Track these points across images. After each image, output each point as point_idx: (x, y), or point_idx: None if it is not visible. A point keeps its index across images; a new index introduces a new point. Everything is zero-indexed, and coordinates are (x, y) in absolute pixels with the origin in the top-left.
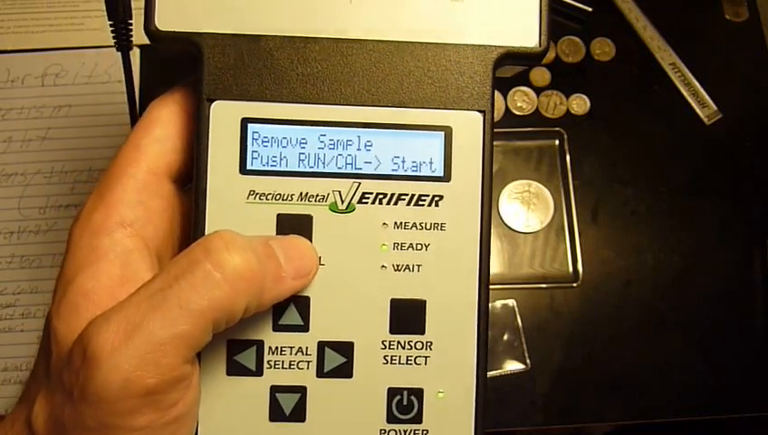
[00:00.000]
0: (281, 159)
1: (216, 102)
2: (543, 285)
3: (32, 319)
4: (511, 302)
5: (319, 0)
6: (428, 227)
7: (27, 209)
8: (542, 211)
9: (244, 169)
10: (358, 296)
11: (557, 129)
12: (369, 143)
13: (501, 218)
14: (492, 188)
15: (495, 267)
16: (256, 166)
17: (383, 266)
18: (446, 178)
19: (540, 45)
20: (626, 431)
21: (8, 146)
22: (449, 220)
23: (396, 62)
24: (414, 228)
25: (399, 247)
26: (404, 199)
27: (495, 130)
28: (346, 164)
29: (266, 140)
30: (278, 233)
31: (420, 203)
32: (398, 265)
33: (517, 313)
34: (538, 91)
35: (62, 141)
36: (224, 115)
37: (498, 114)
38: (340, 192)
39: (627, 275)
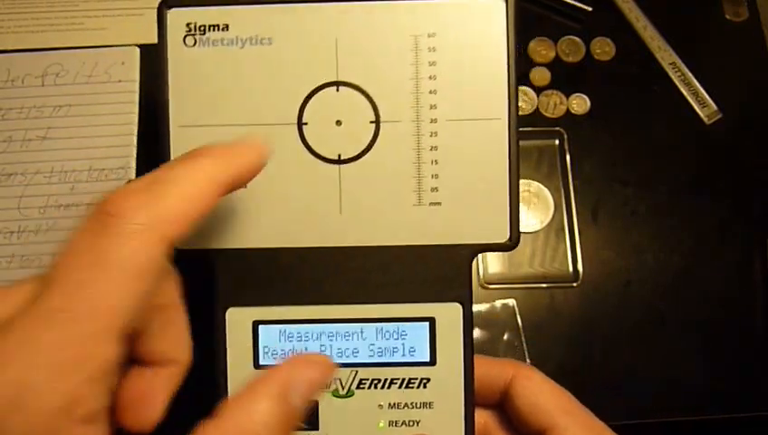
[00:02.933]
0: (288, 353)
1: (230, 309)
2: (543, 285)
3: None
4: (511, 302)
5: (313, 214)
6: (418, 406)
7: (27, 209)
8: (542, 211)
9: (257, 365)
10: None
11: (557, 128)
12: (363, 335)
13: None
14: (473, 368)
15: (495, 267)
16: (268, 361)
17: None
18: (432, 362)
19: (511, 241)
20: (626, 431)
21: (8, 146)
22: (436, 399)
23: (383, 264)
24: (406, 408)
25: (394, 425)
26: (396, 383)
27: None
28: (345, 354)
29: (275, 337)
30: None
31: (410, 386)
32: None
33: (517, 312)
34: (538, 90)
35: (62, 141)
36: (237, 319)
37: None
38: (340, 380)
39: (627, 275)
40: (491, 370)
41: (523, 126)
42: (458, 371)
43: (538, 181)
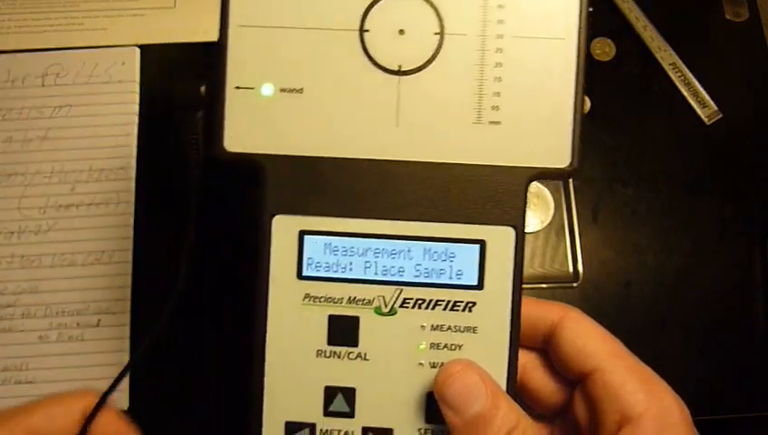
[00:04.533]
0: (332, 267)
1: (277, 216)
2: (543, 285)
3: (32, 319)
4: None
5: (368, 125)
6: (462, 330)
7: (27, 209)
8: (542, 211)
9: (300, 275)
10: (398, 389)
11: None
12: (410, 254)
13: None
14: (521, 296)
15: None
16: (311, 272)
17: (420, 364)
18: (480, 286)
19: (571, 165)
20: None
21: (8, 146)
22: (481, 324)
23: (437, 181)
24: (449, 331)
25: (436, 347)
26: (441, 305)
27: None
28: (390, 272)
29: (320, 249)
30: (329, 332)
31: (456, 308)
32: (433, 363)
33: None
34: None
35: (62, 141)
36: (283, 228)
37: None
38: (384, 297)
39: (627, 275)
40: (536, 310)
41: None
42: (506, 297)
43: (538, 181)
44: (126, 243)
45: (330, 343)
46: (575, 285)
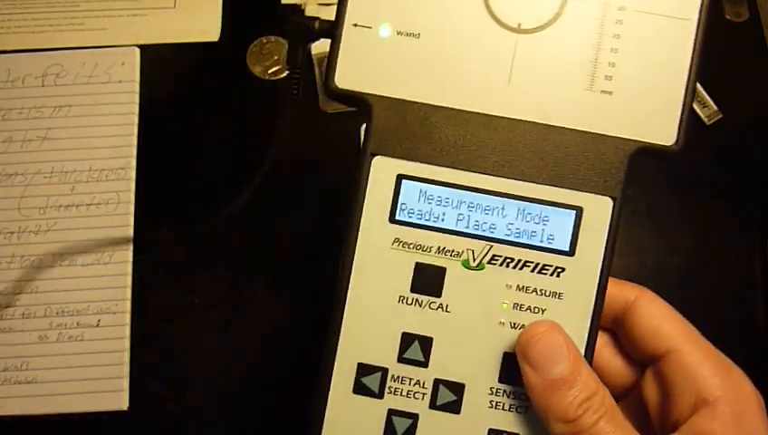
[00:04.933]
0: (425, 215)
1: (377, 157)
2: None
3: (32, 319)
4: None
5: (480, 79)
6: (547, 295)
7: (27, 209)
8: None
9: (393, 219)
10: (475, 345)
11: None
12: (504, 211)
13: None
14: (610, 268)
15: None
16: (404, 217)
17: (501, 323)
18: (571, 252)
19: (676, 144)
20: None
21: (8, 146)
22: (567, 291)
23: (540, 142)
24: (534, 293)
25: (518, 308)
26: (529, 266)
27: None
28: (482, 227)
29: (416, 196)
30: (414, 279)
31: (543, 272)
32: (514, 323)
33: None
34: None
35: (62, 141)
36: (382, 169)
37: None
38: (473, 251)
39: (627, 276)
40: (613, 288)
41: None
42: (596, 267)
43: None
44: (126, 243)
45: (413, 290)
46: None
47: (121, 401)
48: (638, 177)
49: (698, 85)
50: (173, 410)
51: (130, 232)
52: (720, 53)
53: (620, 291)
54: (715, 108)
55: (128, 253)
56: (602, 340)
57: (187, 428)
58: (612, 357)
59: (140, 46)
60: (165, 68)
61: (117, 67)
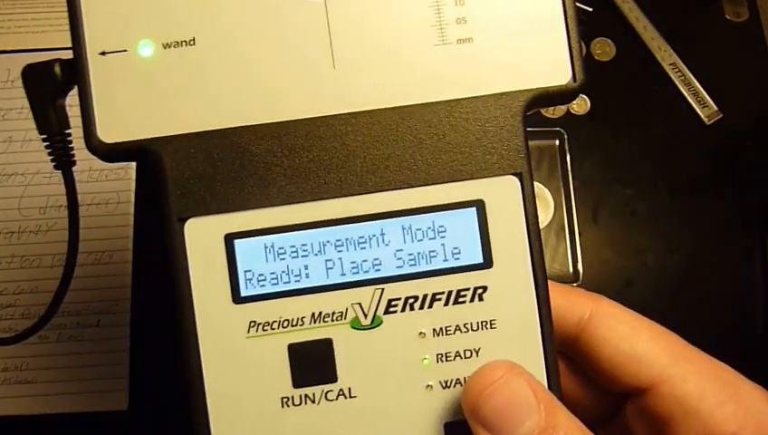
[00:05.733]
0: (282, 276)
1: (190, 220)
2: None
3: (32, 319)
4: None
5: (294, 73)
6: (475, 328)
7: (27, 209)
8: (542, 211)
9: (237, 298)
10: (404, 428)
11: (557, 129)
12: (385, 238)
13: None
14: (544, 265)
15: None
16: (252, 290)
17: (428, 386)
18: (487, 263)
19: (575, 80)
20: None
21: (8, 146)
22: (499, 315)
23: (402, 133)
24: (458, 332)
25: (444, 359)
26: (440, 299)
27: None
28: (363, 268)
29: (260, 255)
30: (292, 367)
31: (461, 300)
32: (446, 382)
33: None
34: None
35: None
36: (201, 234)
37: None
38: (360, 304)
39: (627, 275)
40: (559, 299)
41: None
42: (525, 270)
43: (538, 181)
44: (126, 243)
45: (297, 384)
46: (575, 285)
47: (121, 401)
48: (638, 177)
49: (698, 85)
50: (173, 410)
51: (130, 232)
52: (720, 53)
53: (568, 304)
54: (715, 108)
55: (128, 253)
56: (563, 367)
57: (187, 428)
58: (577, 387)
59: None
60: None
61: None
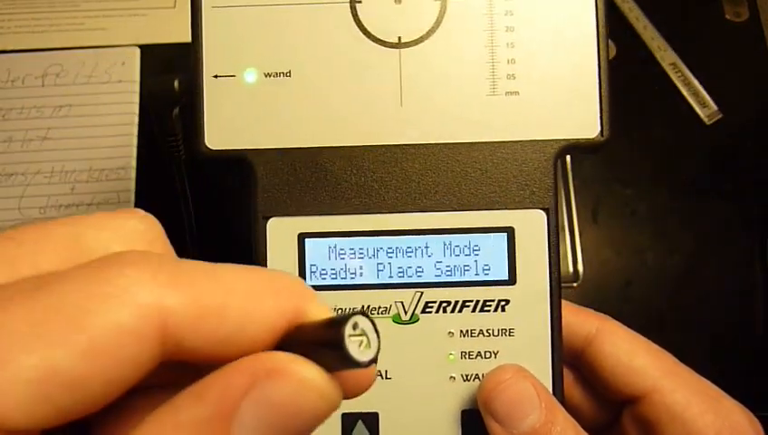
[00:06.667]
0: (340, 273)
1: (272, 219)
2: None
3: None
4: None
5: (369, 107)
6: (496, 334)
7: (27, 209)
8: None
9: None
10: (428, 410)
11: None
12: (429, 250)
13: None
14: (561, 288)
15: None
16: (316, 281)
17: (452, 377)
18: (512, 281)
19: (602, 135)
20: None
21: (8, 146)
22: (517, 325)
23: (452, 164)
24: (481, 335)
25: (467, 356)
26: (469, 306)
27: None
28: (407, 273)
29: (324, 253)
30: None
31: (486, 309)
32: (467, 375)
33: None
34: None
35: (62, 141)
36: (280, 232)
37: None
38: (402, 303)
39: (627, 275)
40: (571, 317)
41: None
42: (543, 290)
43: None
44: None
45: None
46: (575, 284)
47: None
48: (638, 177)
49: (698, 85)
50: None
51: None
52: (720, 53)
53: (578, 321)
54: (715, 108)
55: None
56: (568, 377)
57: None
58: (581, 395)
59: (140, 46)
60: (165, 69)
61: (117, 67)
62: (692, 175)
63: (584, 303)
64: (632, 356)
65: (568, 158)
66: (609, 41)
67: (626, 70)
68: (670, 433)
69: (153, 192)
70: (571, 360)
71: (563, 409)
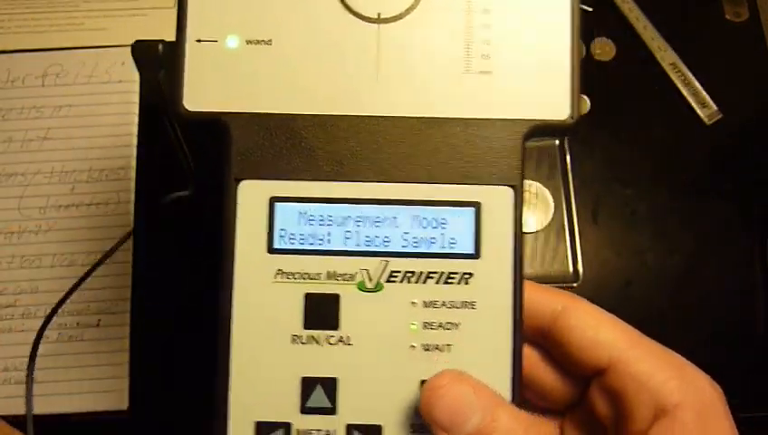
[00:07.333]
0: (308, 238)
1: (243, 182)
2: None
3: (32, 319)
4: None
5: (345, 78)
6: (458, 306)
7: (27, 209)
8: (542, 211)
9: (271, 249)
10: (387, 378)
11: None
12: (397, 221)
13: None
14: (523, 264)
15: None
16: (284, 245)
17: (412, 346)
18: (476, 254)
19: (572, 117)
20: None
21: (8, 146)
22: (480, 298)
23: (423, 138)
24: (443, 307)
25: (429, 327)
26: (433, 277)
27: None
28: (374, 242)
29: (294, 218)
30: (306, 313)
31: (450, 281)
32: (427, 345)
33: None
34: None
35: (62, 141)
36: (251, 194)
37: None
38: (368, 271)
39: (627, 275)
40: (536, 295)
41: None
42: (507, 265)
43: (538, 181)
44: (126, 243)
45: (307, 326)
46: (575, 284)
47: (121, 401)
48: (638, 177)
49: (698, 85)
50: (173, 410)
51: (130, 232)
52: (720, 53)
53: (546, 299)
54: (715, 108)
55: (128, 253)
56: (535, 355)
57: (187, 428)
58: (549, 373)
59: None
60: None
61: (117, 67)
62: (692, 175)
63: None
64: (597, 329)
65: (568, 157)
66: (609, 41)
67: (626, 70)
68: (637, 401)
69: (153, 192)
70: (539, 338)
71: (510, 406)
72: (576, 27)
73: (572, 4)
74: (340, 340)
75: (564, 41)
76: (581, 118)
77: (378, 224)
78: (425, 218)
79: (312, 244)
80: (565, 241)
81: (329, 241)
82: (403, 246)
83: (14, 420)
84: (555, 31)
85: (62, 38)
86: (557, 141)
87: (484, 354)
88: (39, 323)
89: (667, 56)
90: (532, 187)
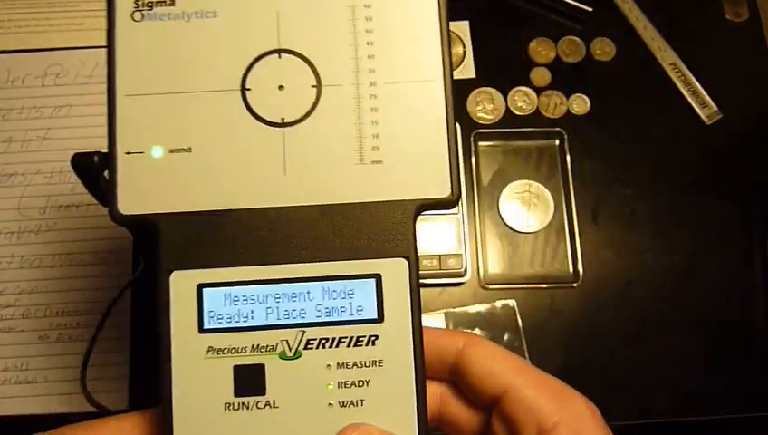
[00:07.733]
0: (234, 317)
1: (174, 272)
2: (544, 285)
3: (32, 319)
4: (511, 302)
5: (257, 176)
6: (368, 365)
7: (27, 209)
8: (542, 211)
9: (201, 329)
10: (310, 433)
11: (557, 129)
12: (311, 295)
13: (501, 219)
14: (422, 324)
15: (496, 268)
16: (213, 325)
17: (330, 404)
18: (380, 318)
19: (453, 195)
20: (627, 431)
21: (8, 146)
22: (385, 356)
23: (327, 222)
24: (355, 367)
25: (343, 386)
26: (344, 342)
27: (495, 130)
28: (292, 315)
29: (220, 301)
30: (236, 383)
31: (359, 344)
32: (343, 402)
33: (517, 313)
34: (538, 91)
35: (62, 141)
36: (181, 282)
37: (498, 114)
38: (287, 341)
39: (627, 276)
40: (441, 339)
41: (524, 126)
42: (406, 326)
43: (538, 182)
44: (126, 243)
45: (237, 394)
46: (575, 284)
47: (121, 401)
48: (638, 177)
49: (698, 85)
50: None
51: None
52: (720, 53)
53: (449, 340)
54: (715, 108)
55: (128, 253)
56: (446, 392)
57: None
58: (458, 407)
59: None
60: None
61: None
62: (692, 175)
63: (584, 303)
64: (491, 361)
65: (568, 157)
66: (609, 41)
67: (626, 70)
68: (525, 423)
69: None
70: (447, 375)
71: None
72: (451, 118)
73: (447, 103)
74: (267, 404)
75: (442, 131)
76: (460, 194)
77: (294, 299)
78: (334, 291)
79: (237, 321)
80: (565, 241)
81: (252, 318)
82: (317, 317)
83: (13, 421)
84: (434, 123)
85: (62, 38)
86: (557, 141)
87: (392, 404)
88: (39, 323)
89: (667, 56)
90: (532, 187)
